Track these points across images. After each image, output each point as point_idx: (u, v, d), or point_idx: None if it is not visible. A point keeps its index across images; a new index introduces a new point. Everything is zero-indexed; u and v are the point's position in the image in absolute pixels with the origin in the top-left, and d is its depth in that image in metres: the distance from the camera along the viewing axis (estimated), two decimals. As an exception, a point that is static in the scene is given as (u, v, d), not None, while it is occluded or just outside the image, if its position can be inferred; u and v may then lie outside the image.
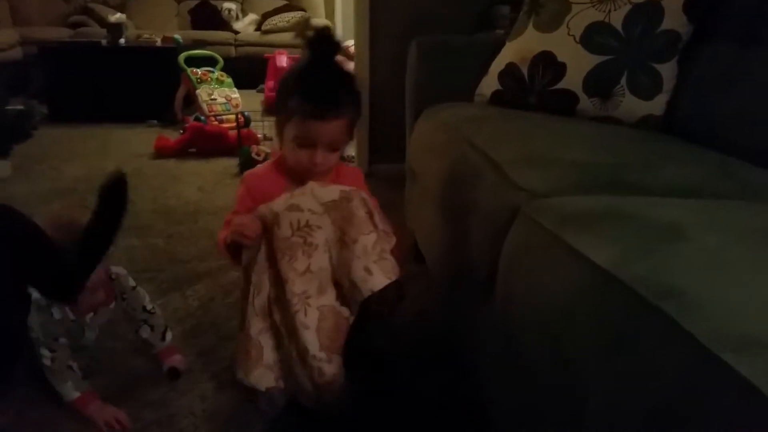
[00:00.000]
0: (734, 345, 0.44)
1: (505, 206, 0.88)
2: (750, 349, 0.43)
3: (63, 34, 5.13)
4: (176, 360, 1.20)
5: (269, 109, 4.09)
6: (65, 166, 2.69)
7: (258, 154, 2.68)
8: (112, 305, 1.20)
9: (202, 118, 3.46)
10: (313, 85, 1.00)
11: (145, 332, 1.22)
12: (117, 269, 1.21)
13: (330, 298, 0.99)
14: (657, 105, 1.30)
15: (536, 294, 0.72)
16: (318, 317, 0.97)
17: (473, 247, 1.00)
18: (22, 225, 0.90)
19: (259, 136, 3.03)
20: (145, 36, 4.24)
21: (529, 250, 0.78)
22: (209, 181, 2.54)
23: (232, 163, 2.81)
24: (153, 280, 1.57)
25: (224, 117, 3.54)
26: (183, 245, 1.83)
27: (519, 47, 1.47)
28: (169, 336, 1.24)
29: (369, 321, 1.08)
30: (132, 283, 1.22)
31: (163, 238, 1.88)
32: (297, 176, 1.04)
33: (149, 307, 1.23)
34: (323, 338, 0.97)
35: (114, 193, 0.98)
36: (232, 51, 5.35)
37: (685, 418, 0.45)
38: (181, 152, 2.97)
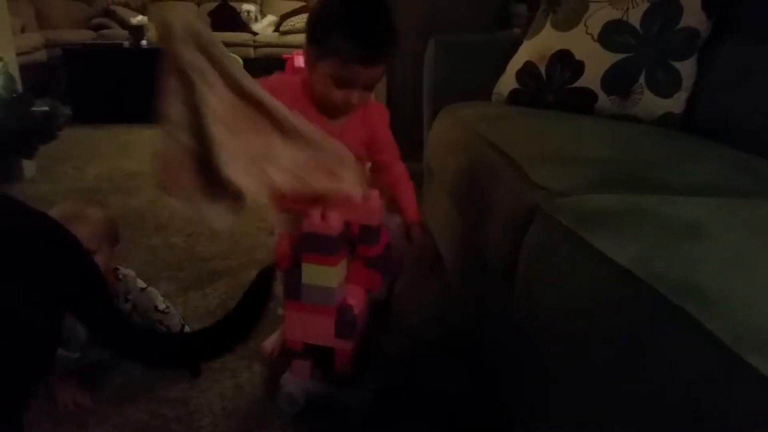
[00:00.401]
0: (756, 344, 0.44)
1: (524, 205, 0.88)
2: (772, 348, 0.43)
3: (86, 36, 5.21)
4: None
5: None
6: (88, 166, 2.74)
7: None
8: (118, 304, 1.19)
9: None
10: (360, 29, 0.95)
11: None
12: (126, 270, 1.21)
13: None
14: (676, 102, 1.29)
15: (556, 292, 0.72)
16: None
17: (491, 246, 1.00)
18: (67, 241, 0.88)
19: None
20: (166, 38, 4.29)
21: (548, 249, 0.78)
22: (229, 181, 2.57)
23: (251, 162, 2.83)
24: (173, 279, 1.60)
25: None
26: (202, 244, 1.85)
27: (536, 46, 1.47)
28: (187, 330, 1.24)
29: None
30: (141, 284, 1.22)
31: (183, 237, 1.90)
32: (325, 107, 1.02)
33: (162, 306, 1.22)
34: None
35: (260, 288, 0.97)
36: (251, 52, 5.40)
37: (708, 418, 0.45)
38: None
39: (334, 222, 0.93)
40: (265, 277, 0.94)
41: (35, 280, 0.79)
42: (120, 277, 1.20)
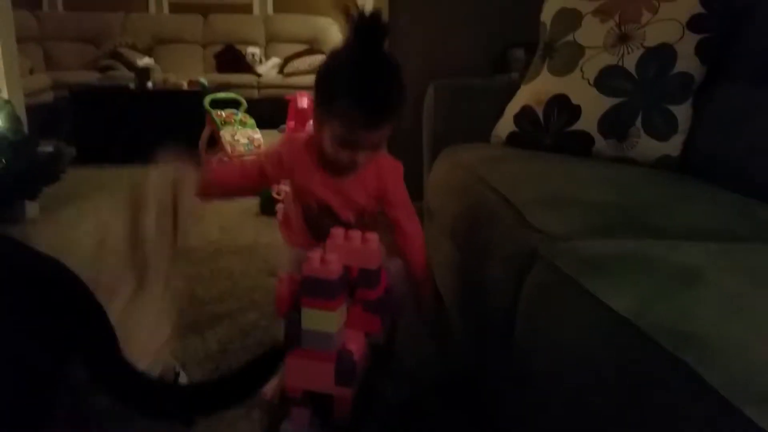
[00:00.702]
0: (756, 398, 0.44)
1: (523, 249, 0.88)
2: (772, 401, 0.43)
3: (93, 77, 5.31)
4: None
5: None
6: (91, 207, 2.76)
7: (278, 194, 2.72)
8: None
9: (225, 158, 3.53)
10: (365, 92, 0.94)
11: None
12: None
13: None
14: (673, 145, 1.31)
15: (555, 338, 0.72)
16: None
17: (492, 289, 1.00)
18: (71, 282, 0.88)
19: (279, 176, 3.08)
20: (172, 80, 4.38)
21: (548, 295, 0.78)
22: (230, 221, 2.58)
23: (253, 202, 2.85)
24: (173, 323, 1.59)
25: (247, 157, 3.61)
26: (203, 286, 1.85)
27: (534, 90, 1.49)
28: (181, 380, 1.22)
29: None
30: None
31: (184, 280, 1.90)
32: (332, 166, 1.02)
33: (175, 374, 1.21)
34: None
35: (266, 364, 0.97)
36: (255, 93, 5.49)
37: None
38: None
39: (334, 265, 0.92)
40: (275, 354, 0.94)
41: (41, 320, 0.79)
42: None
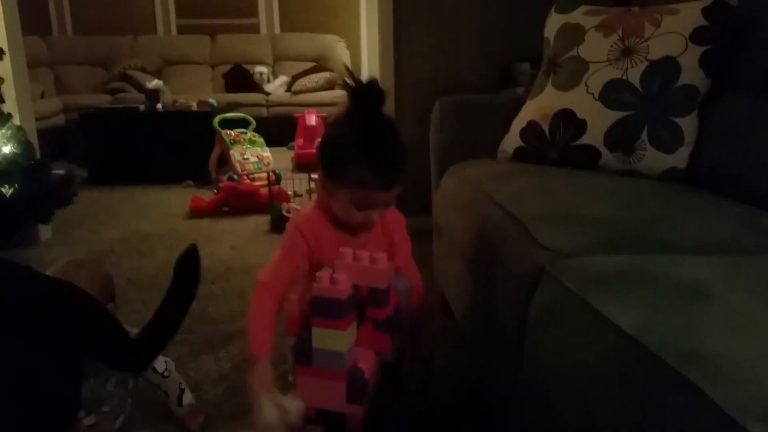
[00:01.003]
0: (761, 414, 0.44)
1: (530, 265, 0.89)
2: (778, 418, 0.43)
3: (102, 100, 5.38)
4: (191, 422, 1.22)
5: (299, 166, 4.19)
6: (102, 228, 2.79)
7: (288, 211, 2.74)
8: None
9: (235, 177, 3.57)
10: (376, 157, 0.97)
11: (163, 398, 1.22)
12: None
13: None
14: (679, 158, 1.31)
15: (564, 356, 0.72)
16: None
17: (501, 305, 1.01)
18: (84, 300, 0.92)
19: (289, 193, 3.10)
20: (181, 101, 4.43)
21: (555, 312, 0.78)
22: (242, 240, 2.60)
23: (263, 220, 2.87)
24: (186, 342, 1.60)
25: (256, 175, 3.65)
26: (215, 305, 1.86)
27: (539, 105, 1.50)
28: (186, 399, 1.23)
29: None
30: None
31: (197, 299, 1.91)
32: (346, 227, 1.05)
33: (161, 369, 1.22)
34: None
35: (187, 267, 1.02)
36: (264, 111, 5.54)
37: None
38: (215, 211, 3.05)
39: (343, 285, 0.93)
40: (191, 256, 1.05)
41: (55, 346, 0.82)
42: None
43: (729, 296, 0.63)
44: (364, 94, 0.98)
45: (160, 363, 1.22)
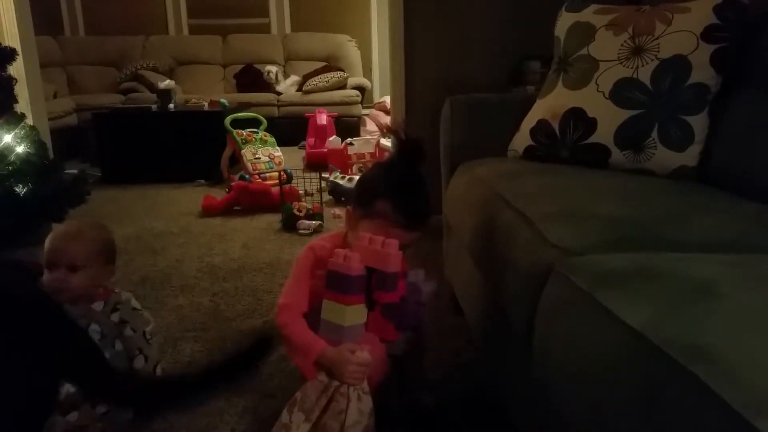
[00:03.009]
0: (766, 410, 0.44)
1: (540, 263, 0.90)
2: (784, 414, 0.43)
3: (115, 100, 5.44)
4: None
5: (310, 165, 4.21)
6: (115, 226, 2.81)
7: (299, 210, 2.76)
8: (99, 307, 1.22)
9: (247, 176, 3.59)
10: (409, 201, 1.10)
11: (139, 363, 1.24)
12: (121, 292, 1.27)
13: None
14: (690, 156, 1.31)
15: (573, 353, 0.72)
16: None
17: (510, 303, 1.01)
18: (70, 330, 0.93)
19: (300, 192, 3.12)
20: (193, 100, 4.47)
21: (564, 309, 0.79)
22: (253, 238, 2.62)
23: (275, 219, 2.89)
24: (199, 339, 1.62)
25: (267, 174, 3.67)
26: (227, 303, 1.88)
27: (549, 104, 1.51)
28: (159, 370, 1.27)
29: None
30: (136, 305, 1.26)
31: (209, 297, 1.93)
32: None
33: (149, 336, 1.26)
34: None
35: (252, 351, 1.05)
36: (275, 111, 5.57)
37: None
38: (226, 210, 3.08)
39: (353, 263, 1.00)
40: (261, 344, 1.02)
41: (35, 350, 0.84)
42: (116, 290, 1.26)
43: (738, 294, 0.64)
44: (408, 148, 1.14)
45: (150, 330, 1.27)
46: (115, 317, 1.23)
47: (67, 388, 1.17)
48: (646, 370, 0.57)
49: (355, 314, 1.02)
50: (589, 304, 0.71)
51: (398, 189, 1.11)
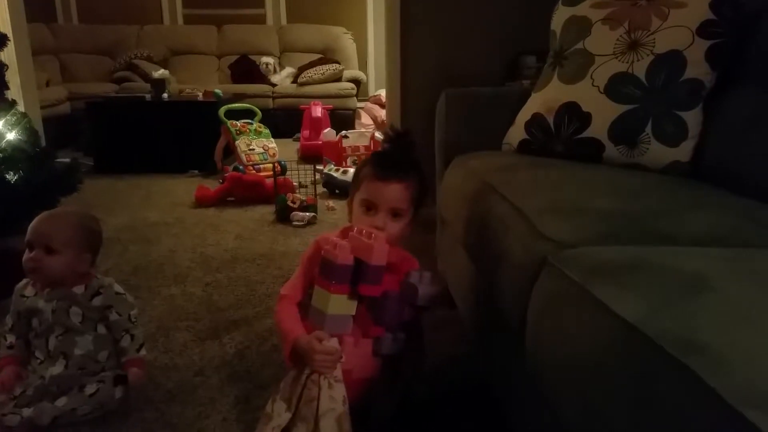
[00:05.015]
0: (759, 402, 0.44)
1: (533, 256, 0.90)
2: (775, 406, 0.44)
3: (108, 89, 5.40)
4: (133, 371, 1.25)
5: (304, 157, 4.20)
6: (108, 216, 2.80)
7: (293, 202, 2.75)
8: (80, 290, 1.23)
9: (241, 167, 3.58)
10: (383, 156, 1.17)
11: (125, 342, 1.27)
12: (105, 278, 1.29)
13: None
14: (683, 151, 1.31)
15: (565, 346, 0.73)
16: None
17: (503, 296, 1.02)
18: None
19: (294, 184, 3.11)
20: (187, 90, 4.44)
21: (556, 302, 0.79)
22: (247, 229, 2.61)
23: (268, 210, 2.88)
24: (191, 329, 1.62)
25: (261, 166, 3.65)
26: (220, 293, 1.88)
27: (544, 98, 1.50)
28: (143, 351, 1.29)
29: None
30: (118, 289, 1.28)
31: (201, 287, 1.93)
32: None
33: (134, 319, 1.29)
34: None
35: None
36: (270, 102, 5.55)
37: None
38: (220, 201, 3.07)
39: (341, 252, 1.01)
40: None
41: None
42: (98, 276, 1.28)
43: (730, 287, 0.64)
44: (396, 137, 1.17)
45: (135, 313, 1.30)
46: (97, 301, 1.24)
47: (51, 372, 1.19)
48: (638, 362, 0.57)
49: (340, 304, 1.03)
50: (582, 296, 0.71)
51: (377, 154, 1.19)
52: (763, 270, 0.71)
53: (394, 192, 1.09)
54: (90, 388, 1.20)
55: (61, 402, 1.17)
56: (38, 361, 1.22)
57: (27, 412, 1.15)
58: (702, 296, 0.62)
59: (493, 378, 1.17)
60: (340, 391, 1.01)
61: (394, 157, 1.14)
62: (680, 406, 0.50)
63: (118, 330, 1.26)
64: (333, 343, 1.02)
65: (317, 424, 0.98)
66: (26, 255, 1.20)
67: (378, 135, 3.76)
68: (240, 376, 1.38)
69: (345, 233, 1.17)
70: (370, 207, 1.10)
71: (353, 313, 1.05)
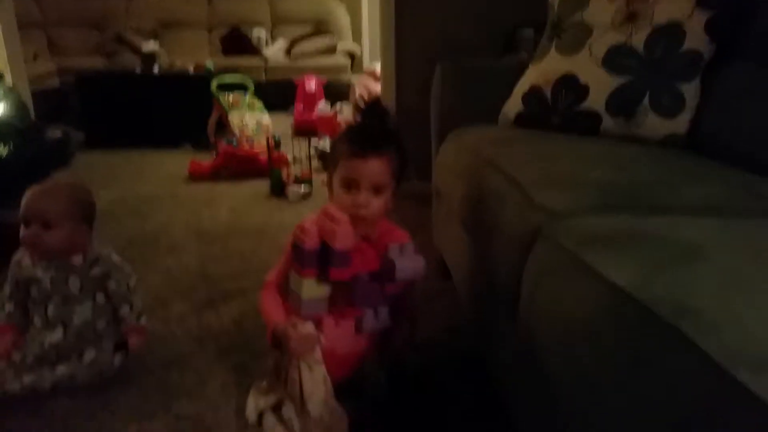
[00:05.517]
0: (749, 364, 0.45)
1: (528, 227, 0.90)
2: (765, 368, 0.44)
3: (98, 63, 5.31)
4: (133, 338, 1.27)
5: (299, 132, 4.17)
6: (101, 190, 2.77)
7: (288, 176, 2.74)
8: (79, 261, 1.24)
9: (234, 141, 3.55)
10: (358, 131, 1.15)
11: (125, 310, 1.28)
12: (103, 248, 1.30)
13: None
14: (680, 123, 1.31)
15: (558, 314, 0.74)
16: None
17: (498, 267, 1.02)
18: None
19: (289, 158, 3.09)
20: (178, 64, 4.38)
21: (550, 271, 0.80)
22: (241, 203, 2.61)
23: (263, 184, 2.87)
24: (187, 299, 1.62)
25: (255, 140, 3.63)
26: (216, 265, 1.88)
27: (542, 70, 1.50)
28: (143, 320, 1.31)
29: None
30: (116, 258, 1.29)
31: (197, 259, 1.93)
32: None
33: (133, 288, 1.30)
34: None
35: None
36: (263, 76, 5.48)
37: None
38: (213, 176, 3.05)
39: (308, 236, 1.01)
40: None
41: None
42: (93, 247, 1.28)
43: (723, 256, 0.65)
44: (369, 108, 1.18)
45: (133, 281, 1.30)
46: (96, 271, 1.25)
47: (50, 339, 1.20)
48: (630, 327, 0.58)
49: (313, 288, 1.04)
50: (575, 265, 0.72)
51: (352, 129, 1.17)
52: (756, 239, 0.72)
53: (374, 167, 1.07)
54: (89, 356, 1.22)
55: (61, 369, 1.19)
56: (37, 328, 1.23)
57: (27, 378, 1.16)
58: (695, 264, 0.63)
59: (487, 348, 1.19)
60: (320, 372, 1.03)
61: (370, 131, 1.13)
62: (671, 369, 0.51)
63: (117, 299, 1.27)
64: (308, 328, 1.03)
65: (304, 405, 1.01)
66: (24, 232, 1.19)
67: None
68: (237, 345, 1.39)
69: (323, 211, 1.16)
70: (350, 185, 1.08)
71: (327, 294, 1.06)
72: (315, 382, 1.02)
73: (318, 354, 1.04)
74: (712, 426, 0.45)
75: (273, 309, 1.12)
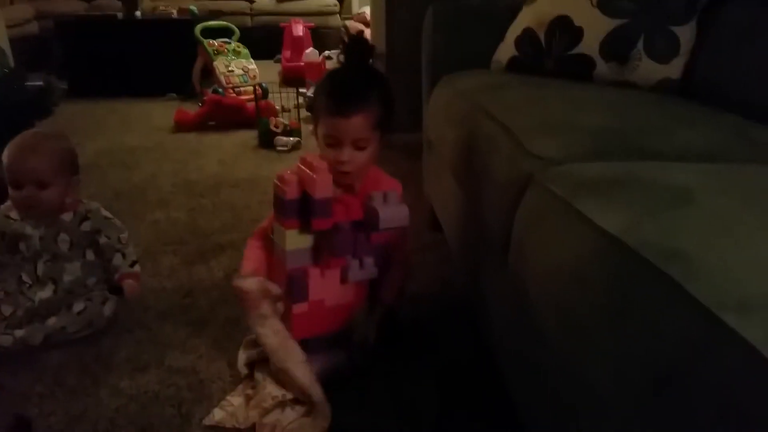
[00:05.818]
0: (736, 307, 0.45)
1: (519, 174, 0.89)
2: (751, 310, 0.45)
3: (78, 7, 5.14)
4: (128, 283, 1.28)
5: (287, 80, 4.08)
6: (86, 141, 2.73)
7: (276, 126, 2.70)
8: (69, 217, 1.24)
9: (220, 90, 3.48)
10: (337, 84, 1.08)
11: (117, 260, 1.29)
12: (89, 202, 1.30)
13: None
14: (674, 68, 1.29)
15: (548, 261, 0.73)
16: None
17: (489, 216, 1.02)
18: None
19: (277, 107, 3.04)
20: (161, 8, 4.24)
21: (541, 218, 0.79)
22: (229, 154, 2.58)
23: (251, 135, 2.83)
24: (177, 253, 1.62)
25: (242, 89, 3.56)
26: (205, 218, 1.87)
27: (536, 12, 1.46)
28: (137, 267, 1.32)
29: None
30: (106, 213, 1.29)
31: (186, 212, 1.92)
32: (335, 179, 1.05)
33: (124, 241, 1.30)
34: None
35: None
36: (248, 21, 5.33)
37: (687, 379, 0.46)
38: (200, 125, 3.00)
39: (289, 187, 1.00)
40: None
41: None
42: (83, 201, 1.28)
43: (714, 200, 0.64)
44: (351, 45, 1.11)
45: (124, 235, 1.31)
46: (86, 226, 1.24)
47: (40, 296, 1.19)
48: (619, 272, 0.57)
49: (296, 239, 1.03)
50: (566, 210, 0.71)
51: (332, 79, 1.11)
52: (747, 184, 0.71)
53: (355, 125, 1.05)
54: (78, 306, 1.22)
55: (51, 321, 1.19)
56: (27, 284, 1.22)
57: (19, 333, 1.17)
58: (685, 208, 0.62)
59: (477, 297, 1.20)
60: (274, 324, 1.04)
61: (350, 85, 1.08)
62: (659, 313, 0.51)
63: (109, 251, 1.27)
64: (248, 283, 1.04)
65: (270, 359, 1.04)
66: (17, 194, 1.16)
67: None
68: (229, 298, 1.39)
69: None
70: (332, 142, 1.07)
71: (311, 245, 1.05)
72: (275, 332, 1.04)
73: (265, 308, 1.04)
74: (699, 369, 0.45)
75: (246, 260, 1.12)
